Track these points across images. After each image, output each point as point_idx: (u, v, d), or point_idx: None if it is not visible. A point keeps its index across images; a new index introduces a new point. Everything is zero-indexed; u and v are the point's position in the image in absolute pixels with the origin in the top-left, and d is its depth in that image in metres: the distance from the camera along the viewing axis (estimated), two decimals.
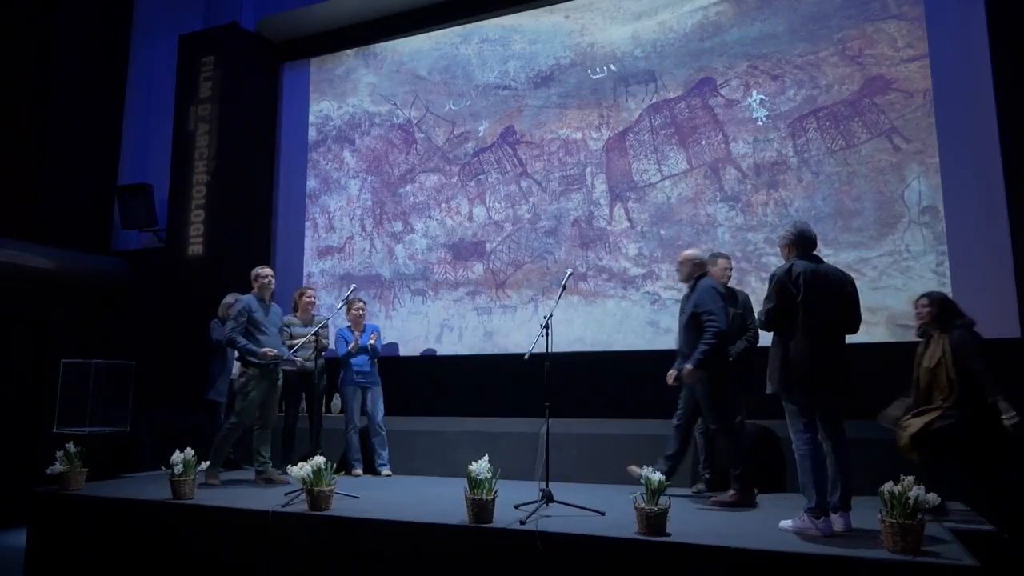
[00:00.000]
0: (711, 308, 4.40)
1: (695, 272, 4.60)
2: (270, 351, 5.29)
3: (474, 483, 3.74)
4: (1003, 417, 3.83)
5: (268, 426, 5.47)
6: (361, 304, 6.20)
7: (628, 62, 6.58)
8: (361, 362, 5.97)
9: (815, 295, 3.60)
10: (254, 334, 5.33)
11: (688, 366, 4.35)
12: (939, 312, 4.20)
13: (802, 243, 3.79)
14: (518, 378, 5.48)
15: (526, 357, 4.99)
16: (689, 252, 4.70)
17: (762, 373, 3.84)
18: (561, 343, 6.18)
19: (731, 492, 4.32)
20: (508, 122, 7.02)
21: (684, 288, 4.78)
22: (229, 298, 6.35)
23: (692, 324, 4.46)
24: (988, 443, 3.95)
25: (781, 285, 3.63)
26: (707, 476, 4.88)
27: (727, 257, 5.08)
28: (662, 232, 6.24)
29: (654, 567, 3.32)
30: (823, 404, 3.68)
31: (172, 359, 7.30)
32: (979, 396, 3.95)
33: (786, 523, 3.61)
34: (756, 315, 3.91)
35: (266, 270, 5.57)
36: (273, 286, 5.59)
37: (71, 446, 5.11)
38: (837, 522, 3.52)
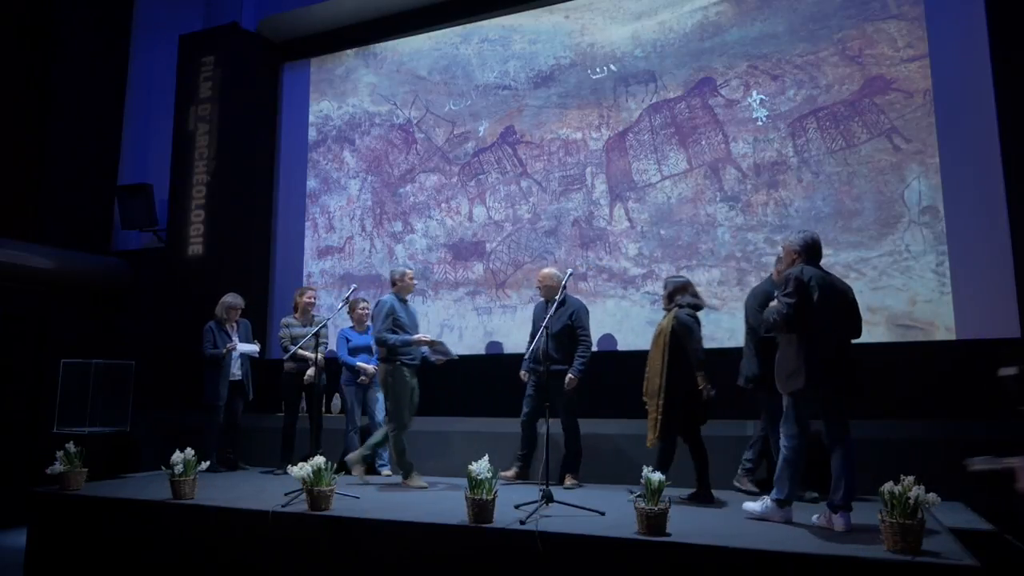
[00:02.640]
0: (585, 324, 5.18)
1: (559, 289, 5.07)
2: (425, 336, 5.24)
3: (474, 483, 3.74)
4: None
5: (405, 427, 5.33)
6: (365, 304, 6.20)
7: (628, 62, 6.58)
8: (365, 361, 5.97)
9: (825, 300, 3.70)
10: (397, 334, 5.25)
11: (571, 376, 5.05)
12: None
13: (811, 253, 3.88)
14: (518, 378, 5.49)
15: (526, 357, 5.00)
16: (556, 271, 5.31)
17: None
18: None
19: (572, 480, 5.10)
20: (508, 122, 7.02)
21: None
22: (227, 297, 6.35)
23: (565, 335, 5.12)
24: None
25: (800, 284, 3.69)
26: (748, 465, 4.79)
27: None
28: (662, 232, 6.24)
29: (654, 567, 3.32)
30: (834, 404, 3.75)
31: (172, 359, 7.30)
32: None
33: (751, 505, 3.88)
34: (768, 314, 3.86)
35: (410, 270, 5.49)
36: (415, 286, 5.55)
37: (71, 446, 5.11)
38: (838, 521, 3.57)
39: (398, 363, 5.23)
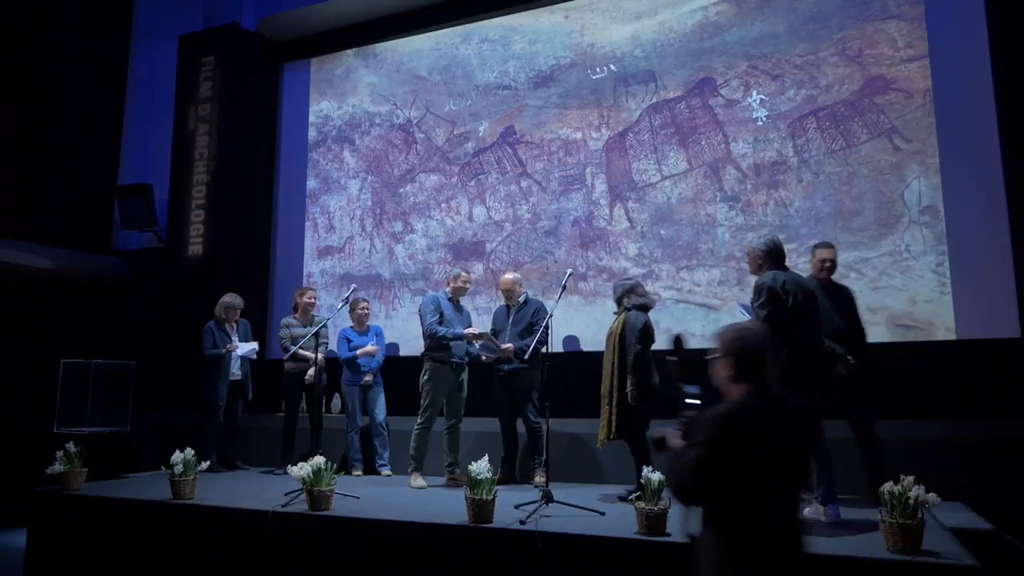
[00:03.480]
0: (546, 322, 5.08)
1: (521, 292, 5.56)
2: (473, 330, 5.38)
3: (474, 483, 3.75)
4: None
5: (455, 428, 5.47)
6: (365, 304, 6.21)
7: (628, 62, 6.58)
8: (370, 363, 5.98)
9: (800, 304, 3.79)
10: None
11: (511, 345, 5.21)
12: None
13: (776, 257, 3.97)
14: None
15: (526, 357, 5.01)
16: (518, 276, 5.67)
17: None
18: (561, 343, 6.18)
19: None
20: (508, 122, 7.02)
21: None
22: (226, 297, 6.36)
23: (528, 334, 5.23)
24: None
25: (773, 293, 3.76)
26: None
27: (828, 247, 4.57)
28: (662, 232, 6.24)
29: (654, 567, 3.33)
30: (812, 405, 3.82)
31: (172, 359, 7.30)
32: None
33: None
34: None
35: (466, 274, 5.72)
36: (468, 288, 5.75)
37: (71, 446, 5.11)
38: (829, 513, 3.73)
39: (434, 361, 5.39)
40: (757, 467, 1.99)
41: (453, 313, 5.54)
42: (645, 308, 4.74)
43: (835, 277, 4.55)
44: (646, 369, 4.56)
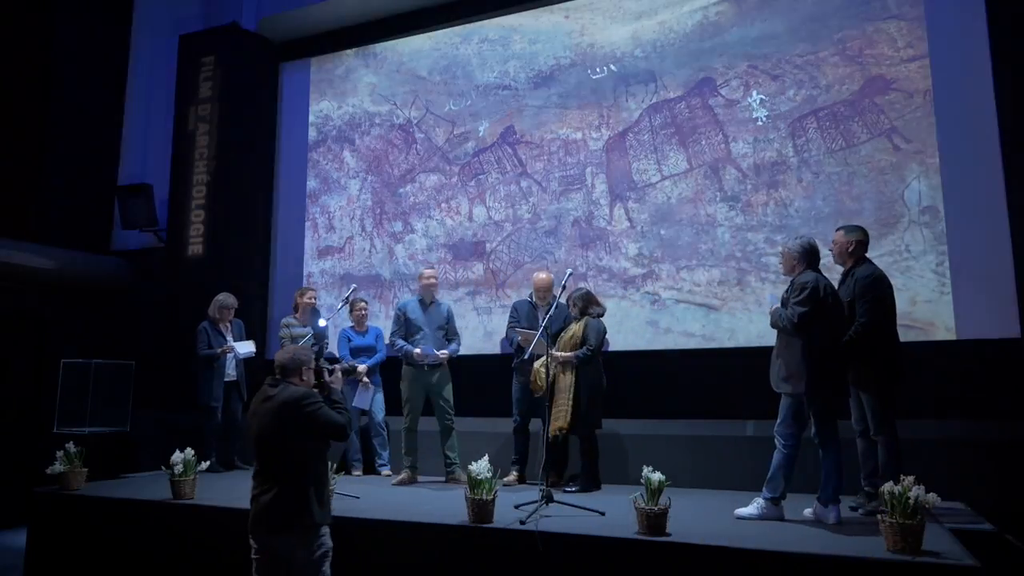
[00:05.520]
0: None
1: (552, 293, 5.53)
2: (416, 350, 5.42)
3: (474, 483, 3.75)
4: None
5: (446, 429, 5.51)
6: (363, 304, 6.22)
7: (628, 62, 6.58)
8: (363, 363, 5.98)
9: (833, 308, 3.92)
10: (412, 334, 5.54)
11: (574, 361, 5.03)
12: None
13: (812, 258, 4.05)
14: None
15: (526, 356, 5.02)
16: (550, 276, 5.67)
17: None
18: None
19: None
20: (508, 122, 7.02)
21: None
22: (220, 297, 6.36)
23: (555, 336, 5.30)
24: None
25: (815, 293, 3.85)
26: (867, 489, 4.14)
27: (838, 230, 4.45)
28: (662, 232, 6.24)
29: (654, 567, 3.33)
30: (829, 407, 3.91)
31: (172, 359, 7.29)
32: None
33: (745, 510, 3.93)
34: (782, 316, 3.91)
35: (428, 271, 5.77)
36: (434, 285, 5.76)
37: (71, 446, 5.11)
38: (831, 514, 3.77)
39: (406, 363, 5.51)
40: (250, 436, 3.10)
41: (421, 315, 5.59)
42: (599, 316, 5.25)
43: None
44: (596, 371, 5.05)
